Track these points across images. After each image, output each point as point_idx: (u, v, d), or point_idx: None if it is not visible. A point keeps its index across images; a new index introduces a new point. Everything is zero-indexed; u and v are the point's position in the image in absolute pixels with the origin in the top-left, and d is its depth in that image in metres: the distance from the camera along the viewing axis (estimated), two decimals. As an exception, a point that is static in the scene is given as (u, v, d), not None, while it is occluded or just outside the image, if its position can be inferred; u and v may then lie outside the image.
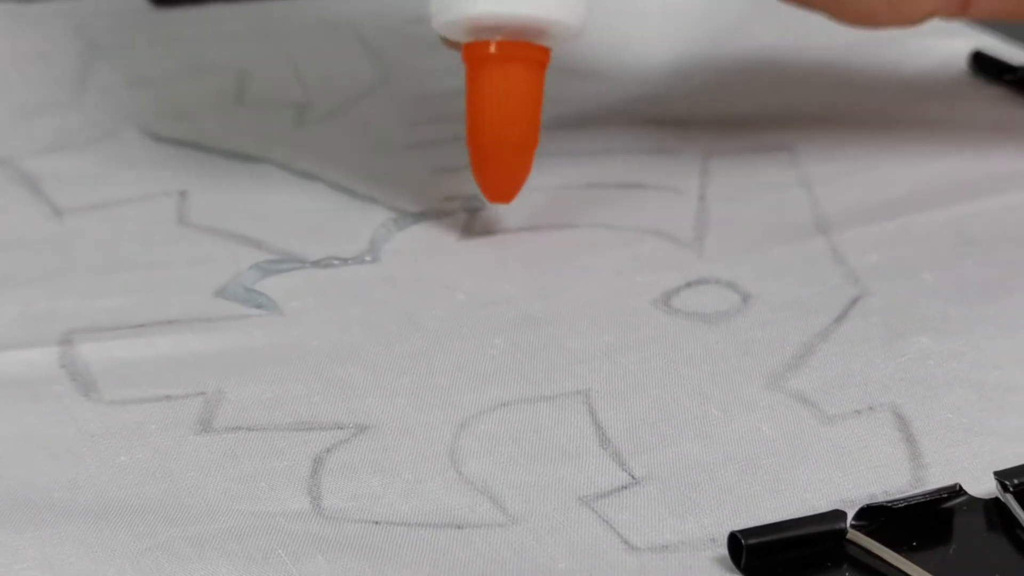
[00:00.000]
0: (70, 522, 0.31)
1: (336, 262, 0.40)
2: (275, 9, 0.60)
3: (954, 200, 0.44)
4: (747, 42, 0.58)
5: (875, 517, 0.31)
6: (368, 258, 0.41)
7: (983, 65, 0.53)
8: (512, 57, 0.39)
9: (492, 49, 0.39)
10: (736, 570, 0.29)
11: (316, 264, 0.40)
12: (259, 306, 0.38)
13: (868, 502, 0.31)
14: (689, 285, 0.39)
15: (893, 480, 0.32)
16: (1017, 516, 0.31)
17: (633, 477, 0.32)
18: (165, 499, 0.31)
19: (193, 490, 0.32)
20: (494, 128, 0.40)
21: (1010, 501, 0.31)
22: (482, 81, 0.40)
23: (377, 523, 0.31)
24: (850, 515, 0.30)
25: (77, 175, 0.45)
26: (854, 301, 0.39)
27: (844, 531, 0.30)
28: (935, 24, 0.57)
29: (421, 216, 0.43)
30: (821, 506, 0.31)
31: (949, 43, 0.56)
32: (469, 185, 0.44)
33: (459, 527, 0.31)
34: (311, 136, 0.49)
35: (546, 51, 0.40)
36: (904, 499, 0.31)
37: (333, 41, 0.56)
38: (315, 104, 0.51)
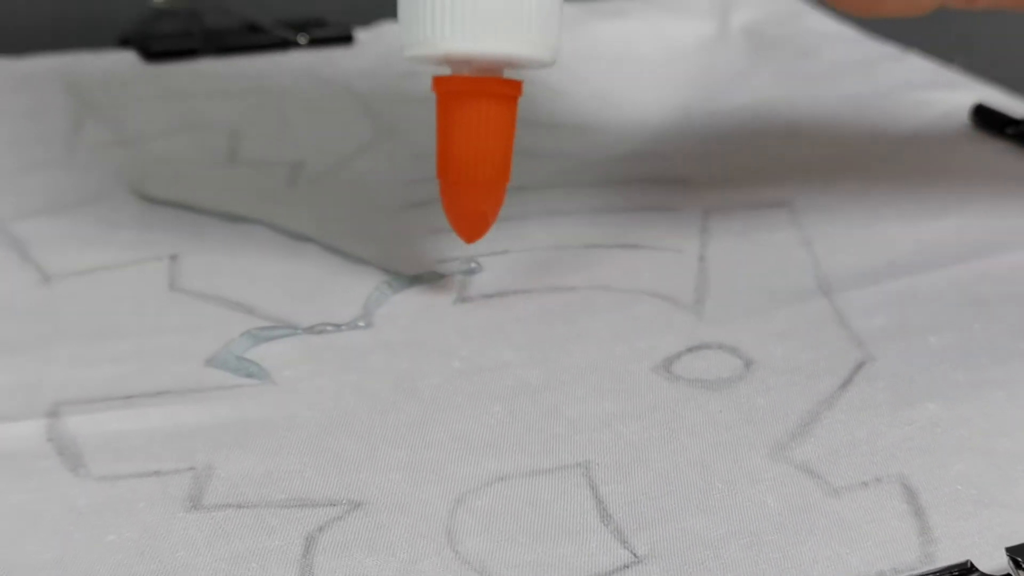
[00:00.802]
0: (56, 605, 0.30)
1: (330, 328, 0.40)
2: (267, 64, 0.60)
3: (960, 259, 0.43)
4: (743, 95, 0.57)
5: (884, 596, 0.30)
6: (362, 323, 0.40)
7: (985, 118, 0.53)
8: (484, 92, 0.38)
9: (463, 84, 0.38)
10: (742, 654, 0.29)
11: (309, 330, 0.40)
12: (250, 375, 0.38)
13: (876, 580, 0.30)
14: (690, 350, 0.39)
15: (902, 556, 0.31)
16: (1031, 594, 0.30)
17: (635, 555, 0.31)
18: (154, 580, 0.31)
19: (183, 570, 0.31)
20: (465, 164, 0.39)
21: (1023, 579, 0.30)
22: (453, 116, 0.39)
23: (372, 606, 0.30)
24: (859, 594, 0.30)
25: (66, 238, 0.44)
26: (859, 366, 0.38)
27: (853, 612, 0.29)
28: (936, 76, 0.57)
29: (416, 279, 0.42)
30: (829, 584, 0.30)
31: (950, 96, 0.55)
32: (465, 246, 0.43)
33: (457, 609, 0.30)
34: (304, 195, 0.48)
35: (518, 84, 0.39)
36: (913, 577, 0.30)
37: (326, 98, 0.56)
38: (308, 162, 0.50)
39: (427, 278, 0.42)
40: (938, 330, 0.40)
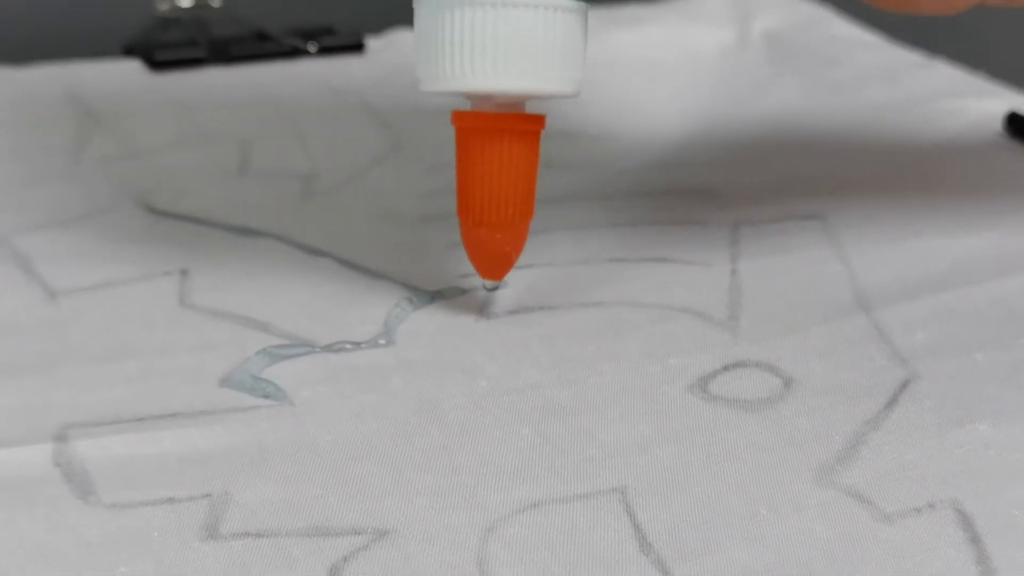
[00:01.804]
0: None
1: (349, 346, 0.38)
2: (276, 74, 0.58)
3: (1001, 273, 0.42)
4: (767, 103, 0.56)
5: (946, 631, 0.28)
6: (382, 341, 0.38)
7: (1019, 127, 0.51)
8: (506, 129, 0.37)
9: (484, 121, 0.37)
10: None
11: (327, 348, 0.38)
12: (267, 395, 0.36)
13: (937, 614, 0.29)
14: (726, 368, 0.37)
15: (961, 587, 0.30)
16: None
17: (679, 587, 0.30)
18: (169, 616, 0.29)
19: (199, 605, 0.29)
20: (487, 205, 0.37)
21: (1093, 612, 0.28)
22: (473, 154, 0.37)
23: (401, 642, 0.28)
24: (919, 629, 0.28)
25: (72, 253, 0.43)
26: (904, 385, 0.36)
27: (914, 649, 0.27)
28: (965, 84, 0.55)
29: (437, 294, 0.41)
30: (886, 618, 0.29)
31: (981, 104, 0.54)
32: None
33: (491, 646, 0.28)
34: (318, 209, 0.47)
35: (541, 119, 0.37)
36: (977, 611, 0.28)
37: (339, 108, 0.54)
38: (322, 175, 0.49)
39: (448, 294, 0.41)
40: (983, 347, 0.38)
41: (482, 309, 0.40)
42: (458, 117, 0.37)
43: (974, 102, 0.54)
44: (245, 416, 0.35)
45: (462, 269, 0.42)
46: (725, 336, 0.38)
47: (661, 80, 0.59)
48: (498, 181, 0.37)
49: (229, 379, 0.37)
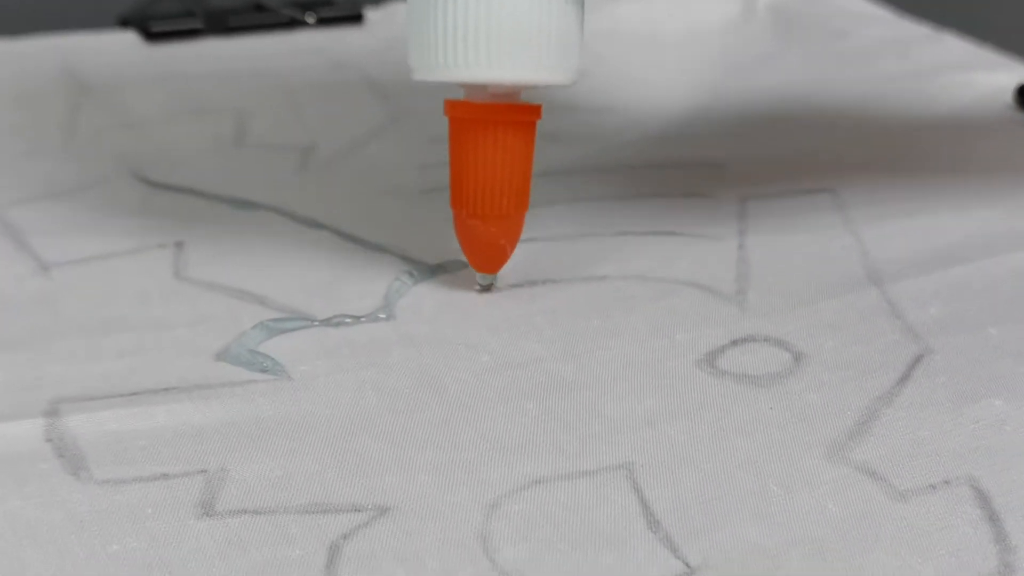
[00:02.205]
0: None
1: (348, 320, 0.37)
2: (274, 45, 0.57)
3: (1014, 246, 0.41)
4: (773, 76, 0.55)
5: (964, 611, 0.27)
6: (382, 315, 0.37)
7: (1030, 100, 0.50)
8: (501, 121, 0.36)
9: (479, 112, 0.36)
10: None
11: (326, 322, 0.37)
12: (264, 370, 0.35)
13: (954, 594, 0.28)
14: (735, 343, 0.36)
15: (979, 567, 0.29)
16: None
17: (688, 566, 0.29)
18: (163, 595, 0.28)
19: (194, 584, 0.28)
20: (481, 198, 0.36)
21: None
22: (467, 145, 0.36)
23: (402, 622, 0.27)
24: (936, 609, 0.27)
25: (65, 226, 0.42)
26: (917, 359, 0.35)
27: (932, 629, 0.27)
28: (974, 56, 0.54)
29: (438, 268, 0.40)
30: (901, 598, 0.28)
31: (991, 77, 0.53)
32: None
33: (495, 626, 0.27)
34: (316, 181, 0.46)
35: (537, 109, 0.36)
36: (996, 590, 0.27)
37: (337, 80, 0.53)
38: (320, 146, 0.48)
39: (450, 267, 0.40)
40: (997, 321, 0.37)
41: (484, 283, 0.39)
42: (451, 107, 0.37)
43: (984, 75, 0.53)
44: (242, 391, 0.34)
45: (464, 242, 0.41)
46: (733, 310, 0.38)
47: (666, 52, 0.58)
48: (492, 173, 0.36)
49: (225, 353, 0.36)
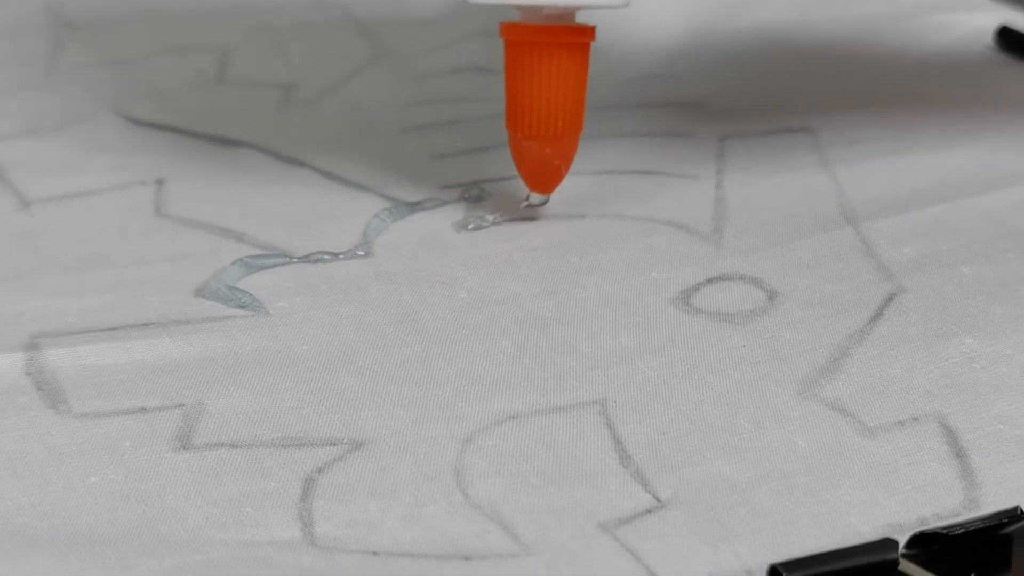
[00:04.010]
0: (35, 552, 0.28)
1: (326, 257, 0.37)
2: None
3: (990, 188, 0.41)
4: (757, 15, 0.55)
5: (928, 545, 0.28)
6: (361, 252, 0.38)
7: (1011, 41, 0.50)
8: (556, 43, 0.37)
9: (535, 34, 0.37)
10: (777, 607, 0.26)
11: (304, 259, 0.37)
12: (243, 306, 0.35)
13: (919, 527, 0.28)
14: (710, 281, 0.36)
15: (944, 501, 0.29)
16: (1085, 543, 0.28)
17: (658, 500, 0.29)
18: (140, 526, 0.29)
19: (171, 516, 0.29)
20: (537, 119, 0.37)
21: (1077, 525, 0.28)
22: (523, 67, 0.37)
23: (376, 554, 0.28)
24: (901, 543, 0.27)
25: (46, 162, 0.42)
26: (889, 298, 0.36)
27: (896, 562, 0.27)
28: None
29: (418, 206, 0.40)
30: (867, 532, 0.28)
31: (973, 17, 0.53)
32: (468, 172, 0.41)
33: (467, 558, 0.28)
34: (297, 119, 0.46)
35: (591, 30, 0.37)
36: (960, 525, 0.28)
37: (320, 16, 0.53)
38: (301, 84, 0.48)
39: (429, 205, 0.40)
40: (971, 261, 0.37)
41: (463, 221, 0.39)
42: (507, 30, 0.37)
43: (965, 16, 0.53)
44: (220, 326, 0.34)
45: (443, 180, 0.41)
46: (709, 249, 0.38)
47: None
48: (547, 94, 0.37)
49: (204, 289, 0.36)
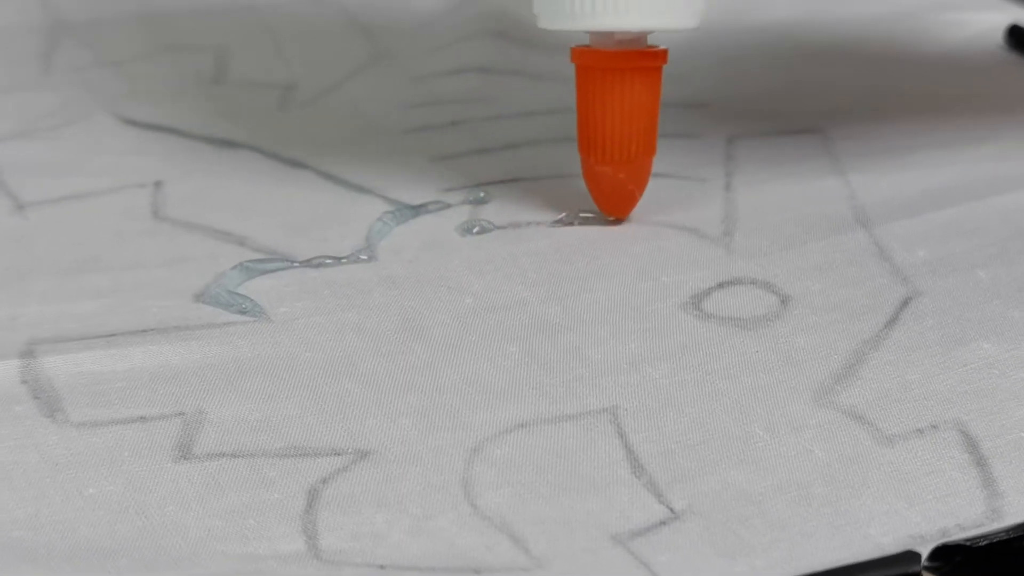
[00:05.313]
0: (31, 567, 0.27)
1: (329, 261, 0.37)
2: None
3: (1004, 189, 0.40)
4: (762, 14, 0.54)
5: (951, 557, 0.27)
6: (364, 256, 0.37)
7: (1021, 40, 0.50)
8: (629, 68, 0.36)
9: (607, 60, 0.36)
10: (797, 622, 0.26)
11: (306, 263, 0.36)
12: (244, 311, 0.35)
13: (941, 539, 0.27)
14: (721, 286, 0.36)
15: (966, 512, 0.28)
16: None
17: (672, 511, 0.28)
18: (140, 539, 0.28)
19: (171, 528, 0.28)
20: (610, 144, 0.37)
21: (1103, 537, 0.27)
22: (596, 93, 0.36)
23: (382, 567, 0.27)
24: (923, 555, 0.27)
25: (42, 164, 0.41)
26: (904, 302, 0.35)
27: (918, 575, 0.26)
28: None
29: (421, 208, 0.39)
30: (888, 544, 0.28)
31: (983, 16, 0.52)
32: (471, 174, 0.41)
33: (476, 571, 0.27)
34: (297, 120, 0.45)
35: (663, 55, 0.37)
36: (983, 536, 0.27)
37: (319, 16, 0.52)
38: (301, 85, 0.47)
39: (432, 208, 0.39)
40: (986, 264, 0.37)
41: (467, 224, 0.38)
42: (579, 55, 0.37)
43: (975, 14, 0.52)
44: (221, 332, 0.34)
45: (446, 183, 0.40)
46: (719, 252, 0.37)
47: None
48: (620, 119, 0.36)
49: (204, 294, 0.35)
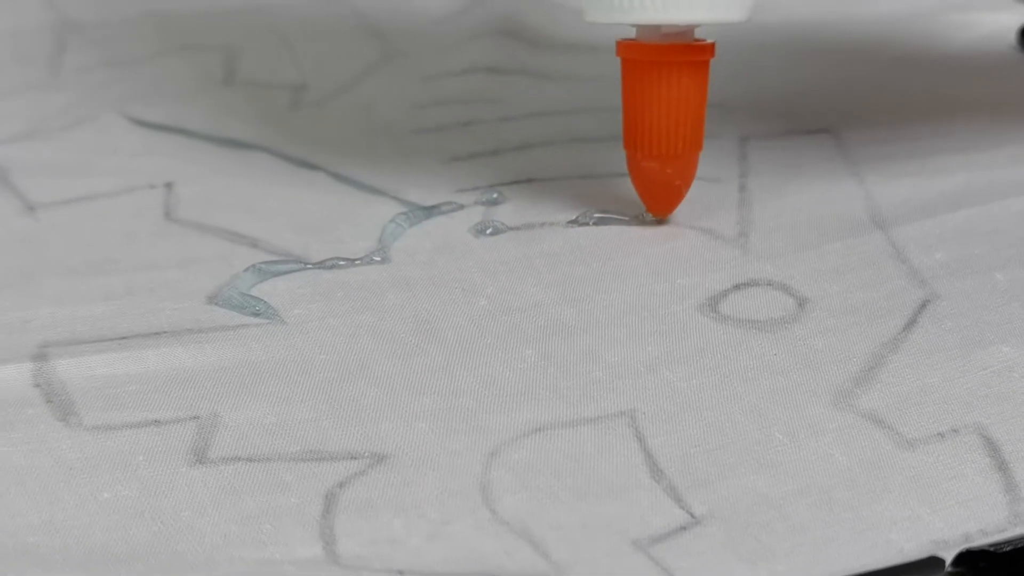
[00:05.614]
0: (47, 572, 0.27)
1: (342, 263, 0.36)
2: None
3: (1019, 190, 0.40)
4: (772, 14, 0.54)
5: (975, 563, 0.27)
6: (377, 258, 0.37)
7: (1034, 41, 0.50)
8: (676, 62, 0.36)
9: (654, 54, 0.36)
10: (820, 629, 0.26)
11: (320, 265, 0.36)
12: (257, 314, 0.34)
13: (964, 544, 0.27)
14: (737, 288, 0.35)
15: (989, 516, 0.28)
16: None
17: (693, 516, 0.28)
18: (155, 544, 0.28)
19: (187, 533, 0.28)
20: (656, 139, 0.36)
21: None
22: (642, 87, 0.36)
23: (401, 573, 0.27)
24: (947, 561, 0.26)
25: (51, 165, 0.41)
26: (923, 305, 0.35)
27: (942, 581, 0.26)
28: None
29: (434, 210, 0.39)
30: (910, 549, 0.27)
31: (995, 17, 0.52)
32: (484, 175, 0.40)
33: (496, 577, 0.27)
34: (308, 120, 0.45)
35: (711, 48, 0.36)
36: (1008, 542, 0.27)
37: (330, 15, 0.52)
38: (312, 85, 0.47)
39: (446, 209, 0.39)
40: (1004, 266, 0.36)
41: (480, 225, 0.38)
42: (625, 48, 0.36)
43: (987, 15, 0.52)
44: (234, 335, 0.33)
45: (459, 183, 0.40)
46: (735, 254, 0.37)
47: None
48: (667, 114, 0.36)
49: (217, 296, 0.35)
